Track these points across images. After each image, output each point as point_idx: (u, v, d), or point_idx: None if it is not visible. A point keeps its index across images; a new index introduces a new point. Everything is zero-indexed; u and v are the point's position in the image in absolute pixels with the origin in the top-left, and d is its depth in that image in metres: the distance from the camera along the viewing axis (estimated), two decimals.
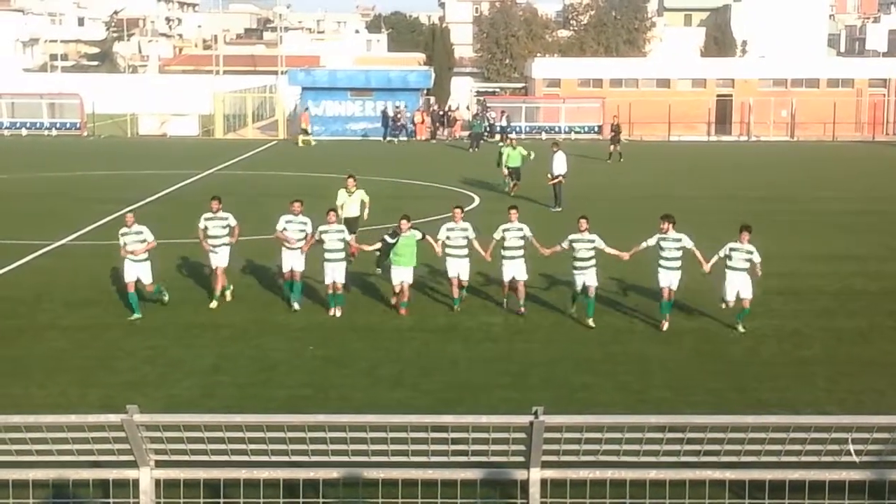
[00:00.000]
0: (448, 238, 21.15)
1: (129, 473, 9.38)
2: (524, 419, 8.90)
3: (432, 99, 72.21)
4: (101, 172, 46.42)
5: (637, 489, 9.49)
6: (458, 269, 21.00)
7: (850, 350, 18.38)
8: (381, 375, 16.97)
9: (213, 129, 68.24)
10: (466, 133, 63.01)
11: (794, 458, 9.19)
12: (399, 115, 65.04)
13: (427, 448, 9.02)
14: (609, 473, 9.42)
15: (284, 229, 21.07)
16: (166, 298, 21.16)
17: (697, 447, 9.04)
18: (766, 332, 19.38)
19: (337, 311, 20.62)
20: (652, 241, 19.88)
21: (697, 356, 17.91)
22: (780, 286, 22.47)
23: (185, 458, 9.18)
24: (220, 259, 21.33)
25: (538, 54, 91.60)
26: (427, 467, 9.27)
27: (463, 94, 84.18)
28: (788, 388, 16.30)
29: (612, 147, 52.23)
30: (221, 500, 9.58)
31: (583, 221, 20.13)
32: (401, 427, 8.95)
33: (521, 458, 9.24)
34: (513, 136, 45.18)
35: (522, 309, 20.60)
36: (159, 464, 9.34)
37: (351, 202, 24.97)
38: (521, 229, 20.79)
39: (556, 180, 35.53)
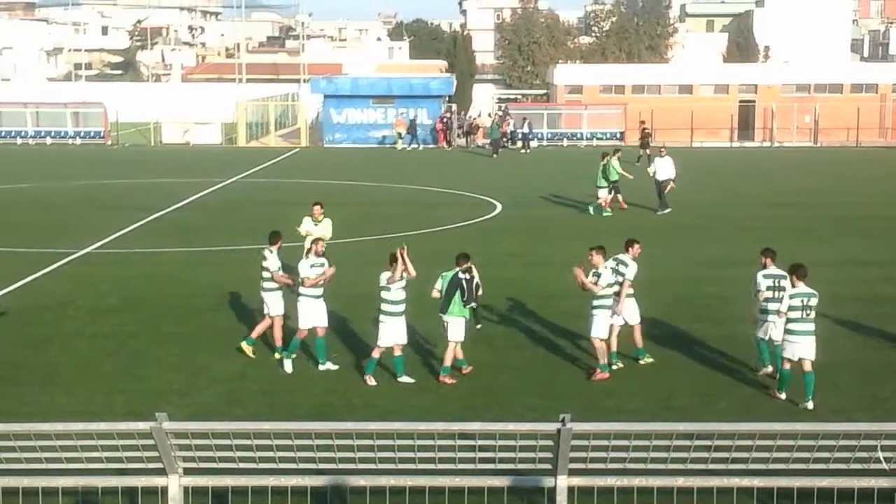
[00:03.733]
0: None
1: (157, 481, 9.44)
2: (551, 426, 8.91)
3: (454, 106, 72.20)
4: (126, 181, 46.63)
5: (664, 496, 9.49)
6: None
7: (875, 356, 18.26)
8: (405, 382, 16.94)
9: (236, 137, 68.45)
10: (488, 140, 63.03)
11: (822, 466, 9.17)
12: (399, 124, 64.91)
13: (454, 455, 9.04)
14: (637, 481, 9.42)
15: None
16: None
17: (725, 454, 9.04)
18: None
19: (405, 377, 16.93)
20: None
21: (724, 362, 17.84)
22: None
23: (214, 465, 9.23)
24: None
25: (560, 61, 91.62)
26: (454, 475, 9.30)
27: (485, 101, 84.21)
28: (814, 395, 16.20)
29: (641, 151, 52.13)
30: None
31: (795, 279, 15.94)
32: (428, 434, 8.97)
33: (548, 466, 9.25)
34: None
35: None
36: (188, 471, 9.39)
37: (317, 231, 22.26)
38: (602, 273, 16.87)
39: (669, 187, 35.67)
